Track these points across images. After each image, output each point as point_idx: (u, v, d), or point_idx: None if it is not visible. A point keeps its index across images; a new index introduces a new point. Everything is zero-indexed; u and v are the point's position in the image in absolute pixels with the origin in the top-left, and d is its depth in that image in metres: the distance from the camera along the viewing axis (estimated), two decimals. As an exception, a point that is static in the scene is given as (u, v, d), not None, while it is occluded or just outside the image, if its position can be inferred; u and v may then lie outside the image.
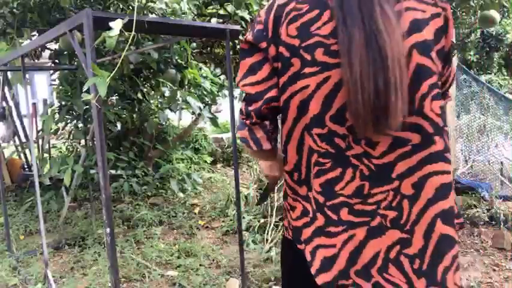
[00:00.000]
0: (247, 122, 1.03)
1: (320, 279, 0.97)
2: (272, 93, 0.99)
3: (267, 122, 1.03)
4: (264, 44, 0.98)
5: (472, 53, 10.57)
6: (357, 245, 0.94)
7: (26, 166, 5.36)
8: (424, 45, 0.89)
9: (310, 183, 0.99)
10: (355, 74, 0.84)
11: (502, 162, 4.01)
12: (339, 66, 0.88)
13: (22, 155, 5.31)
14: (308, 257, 0.99)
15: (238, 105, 2.71)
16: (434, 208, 0.92)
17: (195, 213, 4.14)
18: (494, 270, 2.71)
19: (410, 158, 0.92)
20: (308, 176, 1.00)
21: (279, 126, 1.07)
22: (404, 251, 0.93)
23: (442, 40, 0.94)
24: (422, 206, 0.92)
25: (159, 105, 4.52)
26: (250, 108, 1.01)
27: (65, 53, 3.90)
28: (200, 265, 2.93)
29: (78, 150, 4.20)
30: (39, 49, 4.08)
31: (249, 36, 1.02)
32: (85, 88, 1.59)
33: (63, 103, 3.86)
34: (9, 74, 5.14)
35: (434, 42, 0.92)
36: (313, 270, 0.98)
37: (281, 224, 3.45)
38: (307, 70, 0.92)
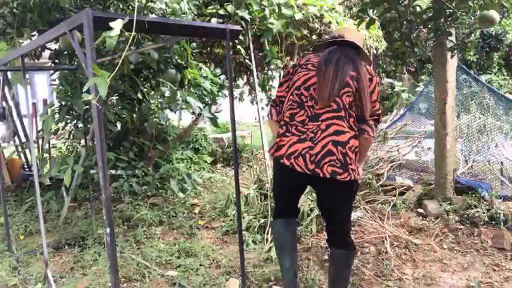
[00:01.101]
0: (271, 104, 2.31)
1: (275, 155, 2.12)
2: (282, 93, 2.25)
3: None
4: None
5: (472, 53, 10.59)
6: (290, 144, 2.06)
7: (26, 166, 5.36)
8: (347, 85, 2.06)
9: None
10: (322, 79, 2.05)
11: (502, 162, 4.01)
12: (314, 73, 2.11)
13: (22, 155, 5.31)
14: (274, 152, 2.13)
15: (239, 105, 2.67)
16: (330, 137, 1.99)
17: (195, 213, 4.14)
18: (494, 270, 2.71)
19: (328, 114, 2.02)
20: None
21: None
22: (309, 152, 2.01)
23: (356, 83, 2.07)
24: (326, 134, 2.00)
25: (159, 105, 4.52)
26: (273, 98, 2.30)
27: (65, 53, 3.90)
28: (200, 265, 2.93)
29: (78, 150, 4.20)
30: (39, 49, 4.09)
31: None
32: (85, 88, 1.59)
33: (63, 103, 3.86)
34: (9, 74, 5.14)
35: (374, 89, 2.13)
36: (275, 153, 2.12)
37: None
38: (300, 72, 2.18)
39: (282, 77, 2.28)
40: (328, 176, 1.96)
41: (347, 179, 1.97)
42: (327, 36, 2.42)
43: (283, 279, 2.29)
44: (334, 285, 2.20)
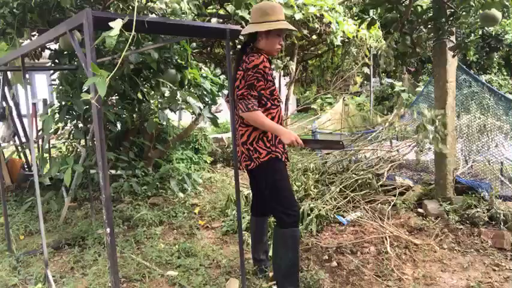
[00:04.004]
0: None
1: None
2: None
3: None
4: None
5: (472, 53, 10.58)
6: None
7: (26, 166, 5.36)
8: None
9: None
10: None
11: (502, 162, 4.00)
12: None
13: (22, 155, 5.31)
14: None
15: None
16: (240, 140, 2.44)
17: (195, 213, 4.14)
18: (494, 270, 2.71)
19: (237, 124, 2.51)
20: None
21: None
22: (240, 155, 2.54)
23: (237, 82, 2.38)
24: (240, 139, 2.47)
25: (159, 105, 4.52)
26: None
27: (65, 53, 3.90)
28: (200, 265, 2.93)
29: (78, 150, 4.20)
30: (39, 49, 4.08)
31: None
32: (85, 88, 1.59)
33: (63, 103, 3.86)
34: (9, 74, 5.14)
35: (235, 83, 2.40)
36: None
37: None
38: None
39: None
40: (244, 169, 2.48)
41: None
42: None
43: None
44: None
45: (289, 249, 2.39)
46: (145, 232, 3.60)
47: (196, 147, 6.14)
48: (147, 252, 3.16)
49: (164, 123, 4.95)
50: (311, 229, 3.35)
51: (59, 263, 3.15)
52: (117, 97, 4.30)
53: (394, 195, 3.92)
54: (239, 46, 4.62)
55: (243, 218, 3.46)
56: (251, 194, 2.89)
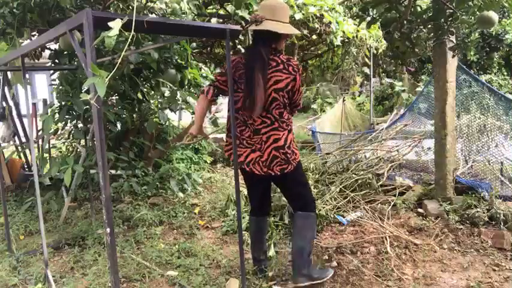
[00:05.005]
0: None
1: (238, 160, 2.52)
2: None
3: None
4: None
5: (472, 53, 10.59)
6: (246, 154, 2.51)
7: (26, 166, 5.36)
8: (278, 89, 2.40)
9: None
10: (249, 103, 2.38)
11: (502, 162, 4.00)
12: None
13: (22, 155, 5.31)
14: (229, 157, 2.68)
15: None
16: (272, 145, 2.44)
17: (195, 213, 4.14)
18: (494, 270, 2.71)
19: (266, 128, 2.44)
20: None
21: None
22: (260, 160, 2.47)
23: (290, 87, 2.42)
24: (268, 144, 2.44)
25: (159, 105, 4.52)
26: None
27: (65, 53, 3.90)
28: (200, 265, 2.93)
29: (78, 150, 4.20)
30: (39, 49, 4.08)
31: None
32: (84, 88, 1.59)
33: (63, 103, 3.86)
34: (9, 74, 5.14)
35: (285, 88, 2.41)
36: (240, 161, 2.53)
37: (280, 224, 3.45)
38: (238, 91, 2.48)
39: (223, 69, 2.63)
40: (278, 173, 2.50)
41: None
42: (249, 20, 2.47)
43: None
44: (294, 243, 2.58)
45: (312, 229, 2.62)
46: (145, 232, 3.60)
47: (196, 147, 6.14)
48: (147, 252, 3.16)
49: (164, 123, 4.95)
50: (311, 229, 3.35)
51: (59, 263, 3.15)
52: (117, 97, 4.30)
53: (394, 195, 3.92)
54: (239, 46, 4.62)
55: (243, 218, 3.45)
56: (248, 194, 2.88)
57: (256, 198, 2.76)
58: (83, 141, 4.15)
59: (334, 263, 2.86)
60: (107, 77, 1.45)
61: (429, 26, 3.42)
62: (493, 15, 2.92)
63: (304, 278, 2.50)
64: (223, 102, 5.89)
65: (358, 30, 7.23)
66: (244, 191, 4.01)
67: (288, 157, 2.46)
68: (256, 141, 2.45)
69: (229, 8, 4.10)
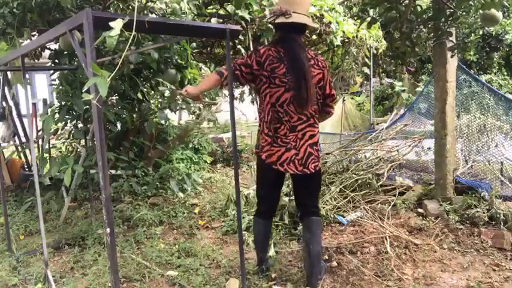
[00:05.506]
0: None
1: (267, 161, 2.47)
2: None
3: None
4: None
5: (472, 53, 10.58)
6: (279, 154, 2.43)
7: (26, 166, 5.35)
8: (314, 85, 2.43)
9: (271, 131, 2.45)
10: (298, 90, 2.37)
11: (502, 162, 4.00)
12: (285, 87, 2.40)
13: (22, 155, 5.31)
14: (265, 159, 2.48)
15: (239, 105, 2.68)
16: (308, 142, 2.44)
17: (195, 213, 4.14)
18: (494, 270, 2.71)
19: (303, 124, 2.43)
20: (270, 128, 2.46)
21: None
22: (296, 158, 2.42)
23: (322, 82, 2.47)
24: (304, 141, 2.42)
25: (159, 105, 4.52)
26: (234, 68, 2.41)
27: (65, 53, 3.90)
28: (200, 265, 2.93)
29: (78, 150, 4.20)
30: (39, 49, 4.08)
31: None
32: (85, 88, 1.59)
33: (63, 103, 3.86)
34: (9, 74, 5.14)
35: (317, 84, 2.46)
36: (266, 160, 2.47)
37: (280, 224, 3.45)
38: (272, 86, 2.41)
39: (248, 57, 2.42)
40: (313, 171, 2.48)
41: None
42: (271, 14, 2.41)
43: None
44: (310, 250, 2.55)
45: (321, 233, 2.71)
46: (145, 232, 3.60)
47: (196, 147, 6.15)
48: (147, 252, 3.16)
49: (164, 123, 4.95)
50: (311, 229, 3.35)
51: (59, 263, 3.15)
52: (117, 97, 4.30)
53: (394, 195, 3.92)
54: (239, 46, 4.62)
55: (243, 218, 3.46)
56: (260, 196, 2.69)
57: (270, 200, 2.67)
58: (83, 141, 4.15)
59: (334, 263, 2.86)
60: (108, 77, 1.45)
61: (429, 25, 3.42)
62: (496, 13, 2.92)
63: (319, 282, 2.58)
64: (223, 102, 5.89)
65: (358, 30, 7.23)
66: (244, 191, 4.01)
67: (319, 154, 2.50)
68: (292, 139, 2.41)
69: (229, 8, 4.10)
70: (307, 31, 3.11)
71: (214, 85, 2.48)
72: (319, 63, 2.46)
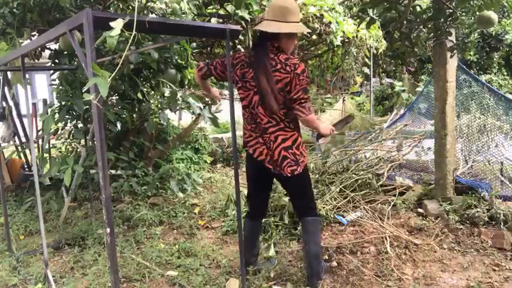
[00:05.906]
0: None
1: (249, 151, 2.59)
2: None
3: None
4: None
5: (472, 53, 10.59)
6: (261, 149, 2.52)
7: (26, 166, 5.35)
8: (278, 89, 2.38)
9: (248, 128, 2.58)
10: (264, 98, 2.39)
11: (502, 162, 4.00)
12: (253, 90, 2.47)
13: (22, 155, 5.31)
14: (248, 150, 2.60)
15: (239, 105, 2.70)
16: (281, 145, 2.45)
17: (195, 213, 4.14)
18: (494, 270, 2.71)
19: (273, 127, 2.44)
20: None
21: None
22: (272, 159, 2.48)
23: (288, 86, 2.38)
24: (277, 144, 2.45)
25: (159, 105, 4.52)
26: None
27: (65, 53, 3.90)
28: (200, 265, 2.93)
29: (78, 150, 4.20)
30: (39, 49, 4.08)
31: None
32: (86, 88, 1.59)
33: (63, 103, 3.86)
34: (9, 74, 5.14)
35: (285, 88, 2.38)
36: (249, 151, 2.60)
37: (280, 224, 3.45)
38: (244, 89, 2.50)
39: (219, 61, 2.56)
40: (289, 174, 2.49)
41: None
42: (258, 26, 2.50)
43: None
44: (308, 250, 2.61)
45: (319, 233, 2.70)
46: (145, 232, 3.60)
47: (196, 147, 6.14)
48: (147, 252, 3.16)
49: (164, 123, 4.95)
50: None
51: (59, 263, 3.15)
52: (117, 97, 4.30)
53: (394, 195, 3.92)
54: (239, 46, 4.62)
55: (243, 218, 3.45)
56: (247, 196, 2.86)
57: (255, 200, 2.77)
58: (83, 141, 4.15)
59: (334, 263, 2.86)
60: (109, 77, 1.45)
61: (429, 26, 3.42)
62: (493, 15, 2.92)
63: (319, 281, 2.60)
64: (222, 102, 5.88)
65: (358, 30, 7.23)
66: (244, 191, 4.01)
67: (297, 158, 2.48)
68: (266, 140, 2.48)
69: (229, 8, 4.10)
70: (306, 31, 3.10)
71: (199, 81, 2.68)
72: (288, 67, 2.35)
